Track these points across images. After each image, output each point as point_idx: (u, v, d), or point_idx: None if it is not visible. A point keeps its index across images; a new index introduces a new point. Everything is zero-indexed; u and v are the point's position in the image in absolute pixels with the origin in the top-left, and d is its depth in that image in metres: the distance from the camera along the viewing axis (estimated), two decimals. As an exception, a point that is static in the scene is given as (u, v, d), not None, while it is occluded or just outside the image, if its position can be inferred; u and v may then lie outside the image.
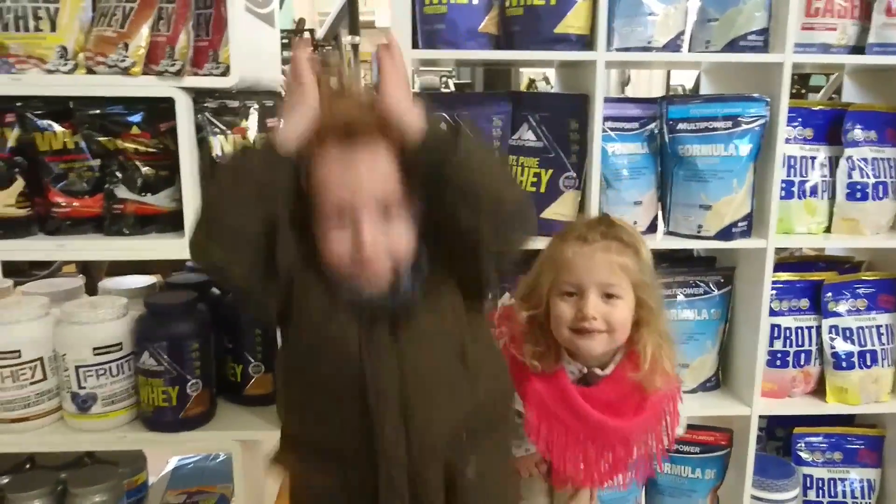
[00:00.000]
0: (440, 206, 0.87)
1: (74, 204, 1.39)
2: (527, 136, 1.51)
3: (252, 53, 1.44)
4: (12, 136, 1.35)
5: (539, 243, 1.22)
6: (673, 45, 1.47)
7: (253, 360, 1.49)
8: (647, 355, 1.15)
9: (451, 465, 0.94)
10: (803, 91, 3.85)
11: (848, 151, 1.57)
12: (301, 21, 5.77)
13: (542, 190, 1.49)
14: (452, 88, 3.93)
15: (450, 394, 0.94)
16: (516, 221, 0.91)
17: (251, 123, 1.42)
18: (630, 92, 4.74)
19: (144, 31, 1.30)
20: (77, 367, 1.37)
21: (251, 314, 1.39)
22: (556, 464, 1.17)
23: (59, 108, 1.36)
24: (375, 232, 0.85)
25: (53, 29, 1.30)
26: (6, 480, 1.52)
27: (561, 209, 1.49)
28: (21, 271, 2.87)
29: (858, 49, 1.53)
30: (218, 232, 0.87)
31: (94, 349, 1.38)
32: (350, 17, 3.73)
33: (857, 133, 1.57)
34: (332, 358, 0.91)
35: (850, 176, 1.57)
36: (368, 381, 0.89)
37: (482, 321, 1.03)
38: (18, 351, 1.37)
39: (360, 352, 0.89)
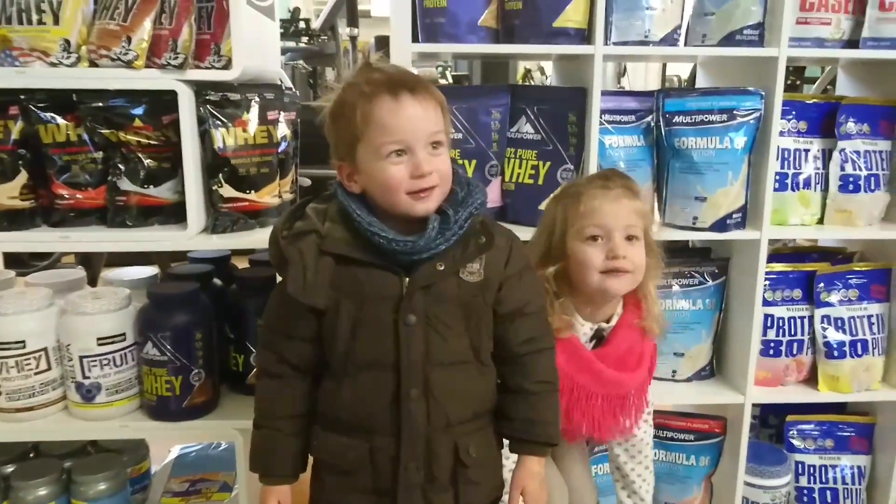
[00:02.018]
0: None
1: (78, 196, 1.40)
2: (525, 128, 1.53)
3: (253, 46, 1.45)
4: (16, 128, 1.35)
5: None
6: (670, 39, 1.49)
7: (255, 350, 1.51)
8: (651, 295, 1.27)
9: (457, 443, 1.06)
10: (798, 82, 3.88)
11: (841, 144, 1.59)
12: (296, 10, 5.76)
13: (540, 182, 1.51)
14: (450, 80, 3.93)
15: (464, 379, 1.08)
16: None
17: (252, 116, 1.43)
18: (626, 82, 4.76)
19: (147, 24, 1.31)
20: (81, 357, 1.39)
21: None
22: (577, 422, 1.26)
23: (62, 100, 1.37)
24: (428, 156, 1.00)
25: (57, 22, 1.31)
26: (11, 469, 1.53)
27: (559, 201, 1.51)
28: (21, 262, 2.88)
29: (853, 43, 1.54)
30: None
31: (98, 339, 1.39)
32: (349, 8, 3.72)
33: (851, 126, 1.60)
34: (371, 340, 1.03)
35: (843, 168, 1.59)
36: (402, 354, 1.02)
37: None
38: (23, 341, 1.39)
39: (395, 329, 1.02)
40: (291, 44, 5.20)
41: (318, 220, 1.04)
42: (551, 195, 1.35)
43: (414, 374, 1.03)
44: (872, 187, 1.60)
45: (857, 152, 1.60)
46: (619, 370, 1.27)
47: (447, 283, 1.04)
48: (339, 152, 1.05)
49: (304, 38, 5.38)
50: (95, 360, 1.39)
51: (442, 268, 1.03)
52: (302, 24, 5.50)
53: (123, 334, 1.42)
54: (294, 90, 1.68)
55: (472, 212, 1.05)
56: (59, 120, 1.37)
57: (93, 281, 2.20)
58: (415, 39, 1.44)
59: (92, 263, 2.80)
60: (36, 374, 1.41)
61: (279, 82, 1.65)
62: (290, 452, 1.11)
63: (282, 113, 1.50)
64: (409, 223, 1.03)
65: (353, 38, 3.83)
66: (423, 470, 1.05)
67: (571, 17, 1.41)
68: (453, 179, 1.06)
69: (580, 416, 1.26)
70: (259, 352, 1.14)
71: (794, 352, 1.66)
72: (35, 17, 1.31)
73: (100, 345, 1.39)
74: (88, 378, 1.40)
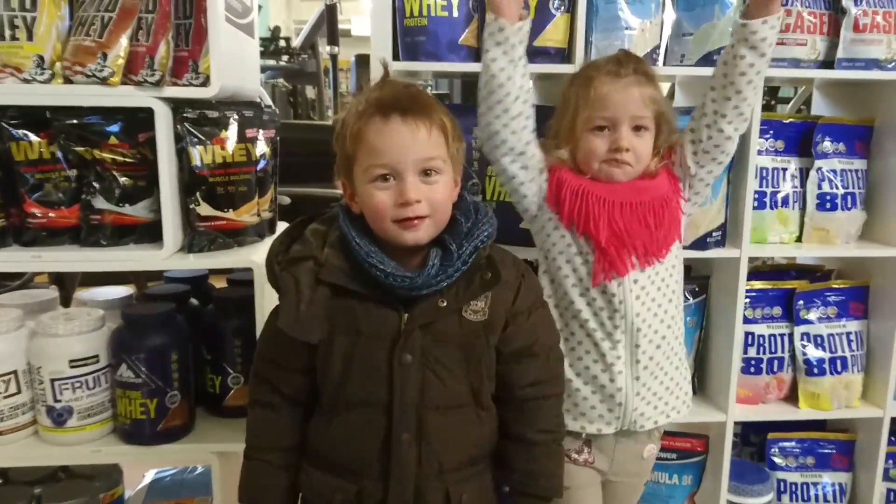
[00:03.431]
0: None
1: (51, 215, 1.37)
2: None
3: (232, 63, 1.44)
4: (-13, 146, 1.33)
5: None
6: (649, 59, 1.49)
7: (232, 372, 1.48)
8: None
9: (449, 491, 1.01)
10: (772, 102, 3.93)
11: (818, 163, 1.61)
12: (276, 29, 5.76)
13: (522, 200, 1.50)
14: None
15: (461, 424, 1.02)
16: None
17: (231, 133, 1.41)
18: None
19: (123, 40, 1.29)
20: (52, 381, 1.35)
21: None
22: (594, 234, 1.18)
23: (35, 117, 1.34)
24: (417, 184, 0.96)
25: (30, 38, 1.29)
26: (-22, 496, 1.49)
27: (540, 219, 1.50)
28: (-8, 282, 2.82)
29: (828, 63, 1.57)
30: None
31: (71, 362, 1.35)
32: (329, 27, 3.73)
33: (827, 145, 1.62)
34: (363, 378, 0.99)
35: (820, 187, 1.61)
36: (395, 395, 0.97)
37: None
38: (-8, 364, 1.35)
39: (389, 368, 0.97)
40: (272, 62, 5.20)
41: (316, 245, 0.99)
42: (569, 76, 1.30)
43: (406, 416, 0.98)
44: (849, 205, 1.62)
45: (834, 171, 1.62)
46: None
47: (448, 322, 0.99)
48: (339, 170, 1.03)
49: (285, 57, 5.38)
50: (67, 383, 1.36)
51: (444, 304, 0.98)
52: (282, 43, 5.51)
53: (97, 356, 1.38)
54: (273, 107, 1.67)
55: (478, 245, 0.99)
56: (32, 137, 1.35)
57: (67, 301, 2.16)
58: (395, 58, 1.43)
59: (66, 283, 2.75)
60: (5, 397, 1.36)
61: (258, 100, 1.64)
62: (280, 486, 1.06)
63: (261, 131, 1.49)
64: (409, 251, 0.99)
65: (334, 56, 3.83)
66: None
67: (551, 36, 1.42)
68: (459, 207, 1.02)
69: (607, 225, 1.18)
70: (252, 380, 1.10)
71: (775, 369, 1.67)
72: (8, 33, 1.28)
73: (72, 367, 1.35)
74: (60, 402, 1.36)
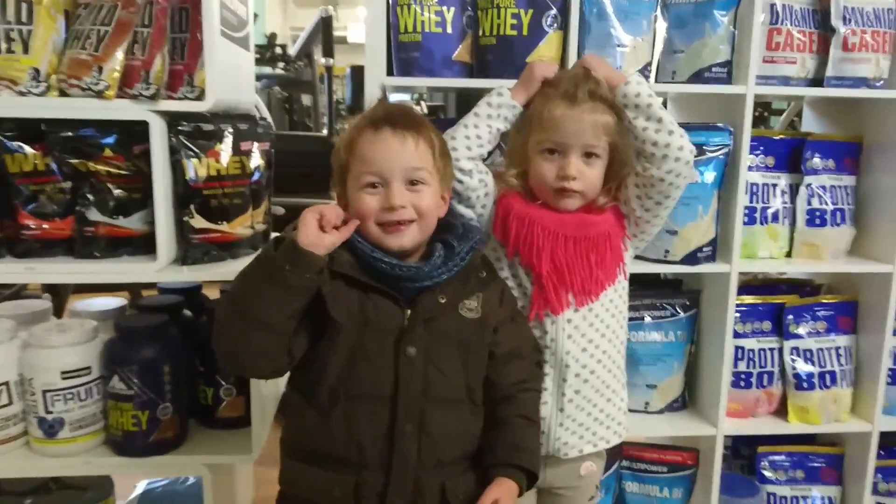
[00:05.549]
0: None
1: (45, 226, 1.38)
2: (499, 161, 1.53)
3: (227, 77, 1.45)
4: (-19, 158, 1.33)
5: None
6: (641, 76, 1.51)
7: (224, 384, 1.48)
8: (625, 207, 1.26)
9: (445, 484, 1.05)
10: (765, 114, 3.96)
11: (807, 179, 1.63)
12: (273, 36, 5.77)
13: (514, 214, 1.51)
14: (425, 111, 3.96)
15: (458, 418, 1.07)
16: None
17: (225, 146, 1.42)
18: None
19: (119, 54, 1.30)
20: (44, 392, 1.35)
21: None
22: (536, 265, 1.18)
23: (30, 129, 1.34)
24: (403, 191, 1.02)
25: (26, 51, 1.29)
26: (-32, 507, 1.49)
27: (532, 233, 1.51)
28: (-16, 290, 2.81)
29: (817, 81, 1.59)
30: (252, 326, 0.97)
31: (63, 373, 1.36)
32: (324, 39, 3.74)
33: (816, 161, 1.63)
34: (369, 371, 1.02)
35: (809, 203, 1.63)
36: (400, 387, 1.01)
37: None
38: (-17, 375, 1.35)
39: (395, 361, 1.01)
40: (268, 70, 5.21)
41: None
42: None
43: (411, 408, 1.02)
44: (838, 221, 1.64)
45: (823, 187, 1.63)
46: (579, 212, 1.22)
47: (447, 318, 1.05)
48: (335, 183, 1.10)
49: (281, 65, 5.39)
50: (59, 395, 1.36)
51: (444, 300, 1.04)
52: (278, 50, 5.52)
53: (89, 368, 1.38)
54: (268, 120, 1.68)
55: (473, 245, 1.07)
56: (27, 149, 1.35)
57: (60, 309, 2.16)
58: (390, 73, 1.44)
59: (59, 292, 2.75)
60: (-4, 408, 1.36)
61: (254, 111, 1.65)
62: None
63: (255, 143, 1.49)
64: (400, 256, 1.04)
65: (329, 68, 3.84)
66: None
67: (544, 52, 1.43)
68: (452, 214, 1.10)
69: (549, 259, 1.18)
70: None
71: (765, 383, 1.68)
72: (4, 46, 1.29)
73: (64, 379, 1.35)
74: (51, 413, 1.36)
